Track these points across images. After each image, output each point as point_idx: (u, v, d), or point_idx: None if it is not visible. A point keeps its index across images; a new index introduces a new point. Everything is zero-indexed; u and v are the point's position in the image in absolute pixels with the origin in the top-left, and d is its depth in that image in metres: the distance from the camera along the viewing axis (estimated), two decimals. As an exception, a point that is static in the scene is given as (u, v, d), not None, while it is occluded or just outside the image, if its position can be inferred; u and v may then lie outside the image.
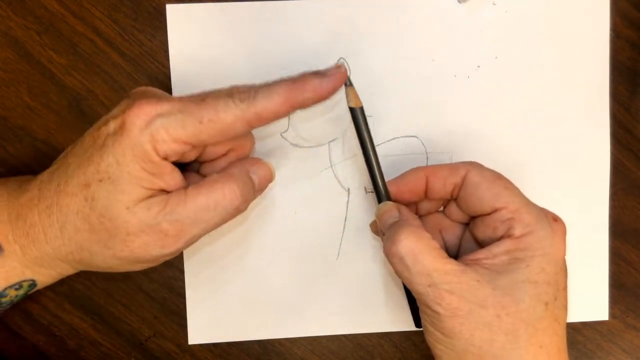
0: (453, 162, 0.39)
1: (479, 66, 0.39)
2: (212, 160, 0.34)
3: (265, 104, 0.30)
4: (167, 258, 0.32)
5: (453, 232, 0.35)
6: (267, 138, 0.38)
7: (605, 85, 0.39)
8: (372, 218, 0.39)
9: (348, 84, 0.33)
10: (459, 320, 0.29)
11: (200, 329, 0.40)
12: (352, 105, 0.34)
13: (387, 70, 0.38)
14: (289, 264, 0.39)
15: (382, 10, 0.38)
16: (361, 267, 0.40)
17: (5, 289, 0.32)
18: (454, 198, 0.34)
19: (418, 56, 0.38)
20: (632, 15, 0.39)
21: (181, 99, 0.30)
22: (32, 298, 0.39)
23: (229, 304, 0.39)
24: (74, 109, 0.38)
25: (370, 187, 0.39)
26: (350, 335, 0.41)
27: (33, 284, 0.32)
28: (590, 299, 0.41)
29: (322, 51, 0.38)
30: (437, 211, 0.36)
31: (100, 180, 0.29)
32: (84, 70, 0.37)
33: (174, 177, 0.31)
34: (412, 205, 0.36)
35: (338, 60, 0.38)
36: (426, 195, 0.35)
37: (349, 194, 0.39)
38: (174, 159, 0.30)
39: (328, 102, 0.38)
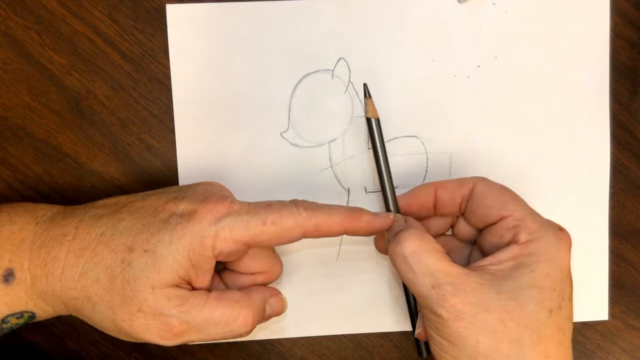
0: (453, 162, 0.39)
1: (479, 66, 0.39)
2: (239, 273, 0.34)
3: (325, 219, 0.32)
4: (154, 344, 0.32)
5: (461, 253, 0.36)
6: (267, 138, 0.38)
7: (605, 85, 0.39)
8: (372, 218, 0.39)
9: (367, 95, 0.35)
10: (463, 324, 0.29)
11: (200, 329, 0.40)
12: (370, 116, 0.35)
13: (387, 70, 0.38)
14: (289, 264, 0.39)
15: (382, 10, 0.38)
16: (361, 267, 0.40)
17: (8, 316, 0.32)
18: (462, 213, 0.35)
19: (418, 56, 0.38)
20: (632, 15, 0.39)
21: (250, 203, 0.32)
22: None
23: (229, 304, 0.39)
24: (74, 109, 0.38)
25: (370, 187, 0.39)
26: (350, 335, 0.41)
27: (33, 315, 0.32)
28: (590, 299, 0.41)
29: (322, 51, 0.38)
30: (445, 235, 0.37)
31: (146, 251, 0.30)
32: (84, 70, 0.37)
33: (206, 276, 0.32)
34: (422, 223, 0.36)
35: (338, 61, 0.38)
36: (435, 210, 0.35)
37: (349, 194, 0.39)
38: (222, 258, 0.31)
39: (328, 102, 0.38)
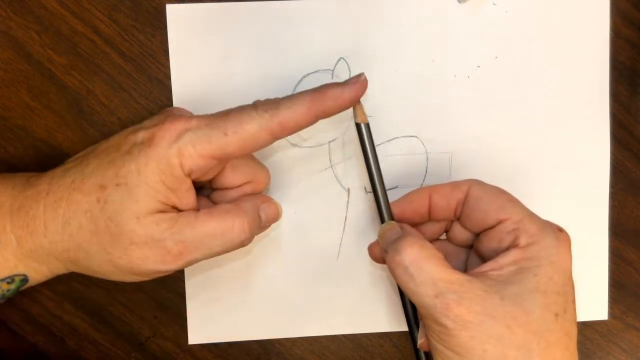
0: (453, 162, 0.39)
1: (479, 66, 0.39)
2: (226, 189, 0.34)
3: (289, 113, 0.30)
4: (161, 275, 0.32)
5: (458, 258, 0.35)
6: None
7: (605, 85, 0.40)
8: (372, 217, 0.39)
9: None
10: (469, 333, 0.28)
11: (200, 329, 0.40)
12: (359, 121, 0.34)
13: (387, 70, 0.38)
14: (289, 264, 0.39)
15: (382, 10, 0.38)
16: (361, 267, 0.40)
17: None
18: (457, 217, 0.34)
19: (418, 56, 0.38)
20: (632, 15, 0.39)
21: (208, 115, 0.31)
22: (32, 298, 0.39)
23: (229, 304, 0.39)
24: (74, 109, 0.38)
25: (370, 187, 0.39)
26: (350, 335, 0.41)
27: (25, 279, 0.32)
28: (590, 298, 0.41)
29: (322, 51, 0.38)
30: (440, 239, 0.36)
31: (117, 185, 0.30)
32: (84, 70, 0.37)
33: (189, 197, 0.31)
34: (416, 229, 0.35)
35: (338, 61, 0.38)
36: (430, 216, 0.34)
37: (349, 194, 0.39)
38: (195, 175, 0.31)
39: (328, 102, 0.38)
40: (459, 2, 0.38)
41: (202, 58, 0.38)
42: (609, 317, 0.41)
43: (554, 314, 0.29)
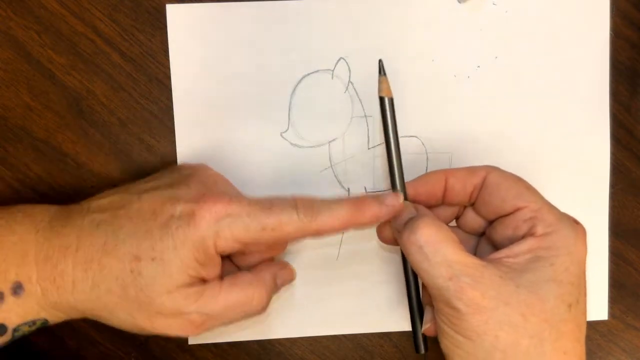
0: (453, 162, 0.39)
1: (479, 66, 0.39)
2: (248, 253, 0.34)
3: (327, 221, 0.31)
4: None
5: (467, 245, 0.35)
6: (267, 138, 0.38)
7: (605, 85, 0.40)
8: (372, 218, 0.39)
9: (382, 73, 0.33)
10: (482, 318, 0.28)
11: (200, 329, 0.40)
12: (383, 94, 0.33)
13: (387, 70, 0.38)
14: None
15: (382, 10, 0.38)
16: (361, 267, 0.40)
17: (19, 325, 0.32)
18: (471, 203, 0.34)
19: (418, 56, 0.38)
20: (632, 15, 0.39)
21: (250, 202, 0.31)
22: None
23: (229, 304, 0.39)
24: (74, 109, 0.38)
25: (370, 187, 0.39)
26: (350, 335, 0.41)
27: (45, 322, 0.32)
28: (590, 298, 0.40)
29: (322, 51, 0.38)
30: (450, 225, 0.36)
31: (153, 260, 0.30)
32: (84, 70, 0.37)
33: (216, 269, 0.32)
34: None
35: (338, 61, 0.38)
36: (444, 199, 0.34)
37: (349, 194, 0.39)
38: (225, 254, 0.32)
39: (328, 102, 0.38)
40: (459, 2, 0.38)
41: (202, 58, 0.38)
42: (609, 317, 0.41)
43: (567, 305, 0.29)
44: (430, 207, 0.35)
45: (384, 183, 0.39)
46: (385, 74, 0.33)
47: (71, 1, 0.37)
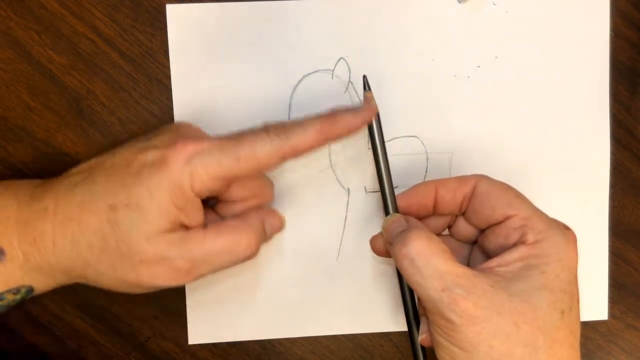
0: (453, 162, 0.39)
1: (479, 66, 0.39)
2: (232, 201, 0.34)
3: (300, 137, 0.31)
4: (168, 287, 0.32)
5: (460, 254, 0.35)
6: (267, 138, 0.38)
7: (605, 85, 0.40)
8: (372, 217, 0.39)
9: (367, 88, 0.34)
10: (476, 329, 0.28)
11: (200, 329, 0.40)
12: None
13: (387, 70, 0.38)
14: (288, 264, 0.39)
15: (382, 10, 0.38)
16: (361, 267, 0.40)
17: (3, 292, 0.32)
18: (462, 212, 0.34)
19: (418, 56, 0.38)
20: (632, 15, 0.39)
21: (221, 137, 0.31)
22: (32, 298, 0.39)
23: (229, 304, 0.39)
24: (74, 109, 0.38)
25: (370, 187, 0.39)
26: (350, 335, 0.41)
27: (30, 289, 0.32)
28: (590, 298, 0.41)
29: (322, 51, 0.38)
30: (443, 235, 0.36)
31: (128, 206, 0.30)
32: (84, 70, 0.37)
33: (197, 215, 0.31)
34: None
35: (338, 61, 0.38)
36: (435, 210, 0.34)
37: (349, 194, 0.39)
38: (205, 195, 0.31)
39: (328, 102, 0.38)
40: (459, 2, 0.38)
41: (202, 58, 0.38)
42: (609, 317, 0.41)
43: (560, 312, 0.29)
44: (421, 218, 0.35)
45: (384, 183, 0.39)
46: (370, 89, 0.34)
47: (71, 1, 0.37)
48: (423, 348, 0.34)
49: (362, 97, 0.38)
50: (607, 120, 0.40)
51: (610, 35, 0.39)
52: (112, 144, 0.38)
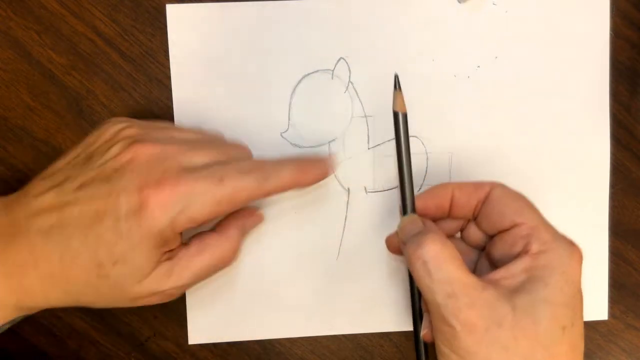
0: (453, 162, 0.39)
1: (479, 66, 0.39)
2: None
3: (276, 183, 0.32)
4: None
5: (469, 257, 0.35)
6: (267, 138, 0.38)
7: (605, 85, 0.40)
8: (372, 217, 0.39)
9: (397, 87, 0.34)
10: (475, 338, 0.28)
11: (200, 329, 0.40)
12: (397, 109, 0.34)
13: (387, 70, 0.38)
14: (289, 264, 0.39)
15: (382, 10, 0.38)
16: (361, 267, 0.40)
17: (1, 326, 0.32)
18: (474, 217, 0.34)
19: (418, 56, 0.38)
20: (632, 15, 0.39)
21: (196, 177, 0.30)
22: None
23: (229, 304, 0.39)
24: (74, 109, 0.38)
25: (370, 187, 0.39)
26: (350, 335, 0.41)
27: (26, 315, 0.33)
28: (590, 299, 0.41)
29: (322, 51, 0.38)
30: (454, 237, 0.36)
31: (115, 263, 0.30)
32: (84, 70, 0.37)
33: (177, 240, 0.32)
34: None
35: (338, 61, 0.38)
36: (450, 212, 0.35)
37: (349, 194, 0.39)
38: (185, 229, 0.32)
39: (328, 102, 0.38)
40: (459, 2, 0.38)
41: (202, 58, 0.38)
42: (609, 317, 0.41)
43: (561, 327, 0.29)
44: (436, 219, 0.35)
45: (383, 183, 0.39)
46: (400, 88, 0.34)
47: (71, 1, 0.37)
48: (425, 344, 0.34)
49: (361, 98, 0.38)
50: (607, 120, 0.40)
51: (610, 35, 0.39)
52: (112, 144, 0.38)
